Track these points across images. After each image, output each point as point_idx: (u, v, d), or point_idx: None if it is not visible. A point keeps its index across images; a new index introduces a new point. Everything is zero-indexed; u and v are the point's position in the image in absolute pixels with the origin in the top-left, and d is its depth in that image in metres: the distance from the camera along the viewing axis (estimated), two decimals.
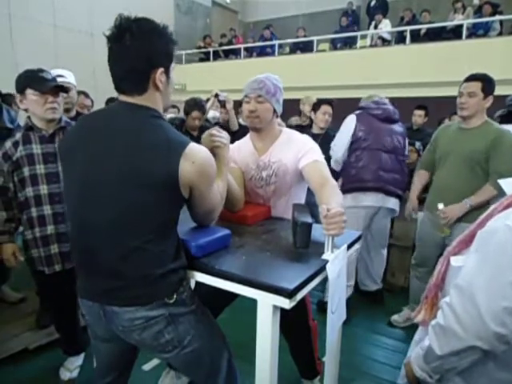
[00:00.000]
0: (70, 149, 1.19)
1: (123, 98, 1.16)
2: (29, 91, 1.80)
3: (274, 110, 1.75)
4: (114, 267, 1.13)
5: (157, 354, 1.31)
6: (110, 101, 3.97)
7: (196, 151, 1.12)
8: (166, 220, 1.17)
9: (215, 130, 1.47)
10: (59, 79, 2.11)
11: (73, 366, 2.14)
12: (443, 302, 0.94)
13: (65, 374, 2.12)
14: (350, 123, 2.85)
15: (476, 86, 2.26)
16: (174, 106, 5.26)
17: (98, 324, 1.25)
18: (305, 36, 9.42)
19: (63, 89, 1.90)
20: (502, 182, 0.98)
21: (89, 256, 1.17)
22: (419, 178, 2.75)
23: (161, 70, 1.14)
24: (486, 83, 2.26)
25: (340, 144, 2.87)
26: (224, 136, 1.47)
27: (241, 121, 4.19)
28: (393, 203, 2.87)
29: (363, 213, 2.83)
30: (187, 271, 1.29)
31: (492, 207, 0.98)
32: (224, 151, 1.46)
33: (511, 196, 0.94)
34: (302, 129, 3.46)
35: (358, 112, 2.91)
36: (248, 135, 1.90)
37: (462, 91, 2.31)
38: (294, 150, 1.73)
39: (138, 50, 1.09)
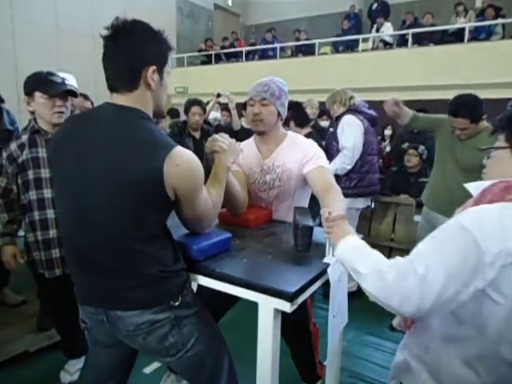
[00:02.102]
0: (58, 150, 1.18)
1: (114, 97, 1.16)
2: (37, 94, 1.80)
3: (279, 114, 1.75)
4: (115, 270, 1.12)
5: (160, 357, 1.29)
6: None
7: (181, 154, 1.10)
8: (155, 221, 1.15)
9: (219, 136, 1.45)
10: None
11: (73, 369, 2.13)
12: (401, 260, 0.94)
13: (65, 377, 2.12)
14: (358, 126, 2.83)
15: (464, 123, 2.19)
16: (175, 110, 5.25)
17: (100, 330, 1.24)
18: (306, 39, 9.44)
19: (72, 93, 1.90)
20: (469, 186, 0.99)
21: (87, 260, 1.15)
22: (408, 110, 2.70)
23: (153, 67, 1.14)
24: (474, 116, 2.16)
25: (357, 150, 2.83)
26: (225, 142, 1.45)
27: (244, 123, 4.21)
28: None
29: (356, 215, 2.94)
30: (189, 274, 1.29)
31: (458, 210, 1.00)
32: (222, 156, 1.43)
33: (477, 196, 0.94)
34: None
35: (356, 114, 2.89)
36: (252, 137, 1.90)
37: (454, 125, 2.26)
38: (299, 155, 1.73)
39: (130, 47, 1.11)
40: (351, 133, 2.82)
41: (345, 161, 2.81)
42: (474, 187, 0.97)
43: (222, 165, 1.43)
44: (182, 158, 1.10)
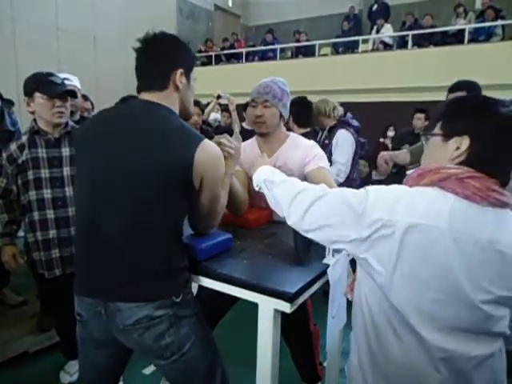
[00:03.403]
0: (86, 142, 1.22)
1: (143, 95, 1.23)
2: (37, 95, 1.81)
3: (281, 115, 1.76)
4: (125, 261, 1.13)
5: (154, 359, 1.26)
6: (122, 100, 3.94)
7: (210, 144, 1.19)
8: (178, 214, 1.20)
9: (225, 139, 1.44)
10: (66, 83, 2.12)
11: (73, 370, 2.13)
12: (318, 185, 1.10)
13: (65, 378, 2.12)
14: (351, 142, 2.97)
15: None
16: None
17: (96, 323, 1.21)
18: (307, 40, 9.45)
19: (72, 94, 1.90)
20: (408, 172, 1.05)
21: (99, 250, 1.16)
22: (402, 152, 2.72)
23: (180, 70, 1.23)
24: (470, 89, 2.19)
25: (349, 164, 2.96)
26: (233, 147, 1.44)
27: (244, 125, 4.20)
28: None
29: None
30: (190, 274, 1.29)
31: None
32: (229, 163, 1.42)
33: (404, 181, 1.02)
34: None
35: (348, 129, 3.01)
36: (254, 137, 1.90)
37: None
38: (301, 155, 1.73)
39: (161, 52, 1.23)
40: (345, 149, 2.95)
41: (339, 174, 2.92)
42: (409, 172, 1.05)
43: (229, 172, 1.44)
44: (212, 148, 1.19)
